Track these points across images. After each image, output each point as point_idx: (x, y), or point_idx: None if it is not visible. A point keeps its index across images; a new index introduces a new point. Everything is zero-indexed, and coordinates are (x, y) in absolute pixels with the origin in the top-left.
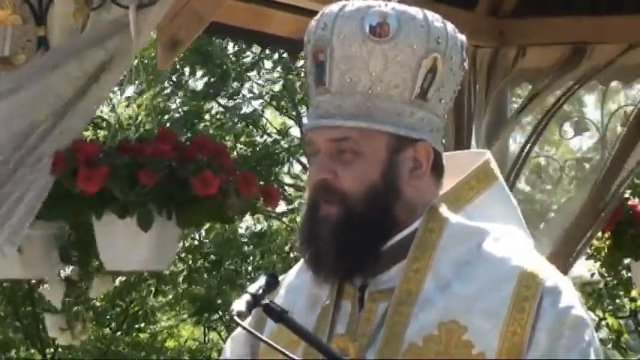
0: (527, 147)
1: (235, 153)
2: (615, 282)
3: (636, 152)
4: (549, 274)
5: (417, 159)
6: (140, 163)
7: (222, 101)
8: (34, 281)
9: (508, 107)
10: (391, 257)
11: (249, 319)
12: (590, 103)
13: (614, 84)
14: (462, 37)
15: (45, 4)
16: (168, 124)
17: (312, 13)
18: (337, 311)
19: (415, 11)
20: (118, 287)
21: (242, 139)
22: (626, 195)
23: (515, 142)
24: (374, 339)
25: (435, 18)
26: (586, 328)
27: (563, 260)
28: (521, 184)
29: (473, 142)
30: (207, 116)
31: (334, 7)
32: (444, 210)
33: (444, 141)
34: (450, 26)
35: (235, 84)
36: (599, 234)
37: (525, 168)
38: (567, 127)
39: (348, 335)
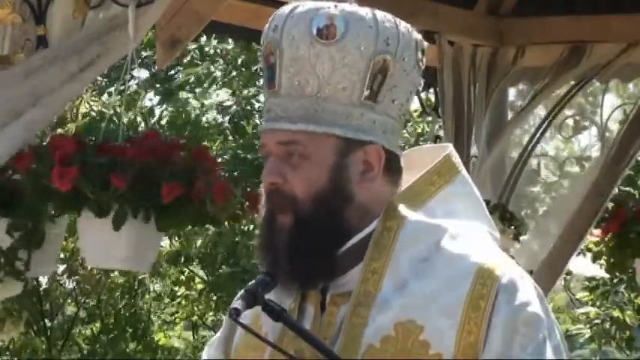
0: (530, 146)
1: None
2: (620, 280)
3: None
4: (506, 269)
5: (367, 161)
6: (113, 165)
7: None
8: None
9: (508, 107)
10: (350, 260)
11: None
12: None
13: (613, 83)
14: (417, 36)
15: (44, 3)
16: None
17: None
18: (302, 315)
19: (365, 12)
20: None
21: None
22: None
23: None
24: (335, 342)
25: (385, 18)
26: (541, 325)
27: (565, 256)
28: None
29: (473, 142)
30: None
31: (286, 9)
32: (402, 208)
33: (444, 140)
34: (404, 26)
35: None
36: (600, 233)
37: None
38: (566, 126)
39: None
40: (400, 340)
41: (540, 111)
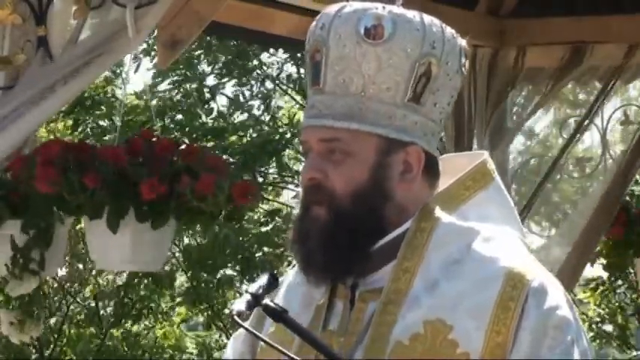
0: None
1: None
2: (620, 280)
3: None
4: (536, 274)
5: (407, 162)
6: (86, 166)
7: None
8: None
9: (509, 108)
10: (382, 257)
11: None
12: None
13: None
14: (462, 42)
15: (45, 3)
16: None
17: (312, 13)
18: (330, 310)
19: (412, 15)
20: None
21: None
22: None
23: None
24: (362, 337)
25: (432, 22)
26: (570, 328)
27: (578, 260)
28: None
29: (474, 144)
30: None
31: (333, 8)
32: (436, 210)
33: (444, 141)
34: (449, 31)
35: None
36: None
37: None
38: (567, 126)
39: (338, 332)
40: (429, 339)
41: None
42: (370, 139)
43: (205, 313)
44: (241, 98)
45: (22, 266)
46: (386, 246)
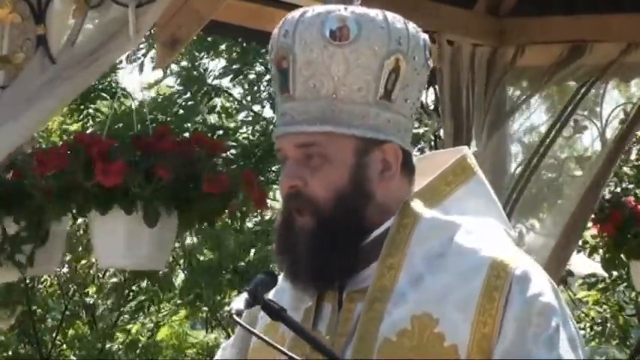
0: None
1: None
2: (618, 278)
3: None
4: (520, 262)
5: (385, 160)
6: (155, 159)
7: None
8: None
9: (507, 106)
10: (367, 256)
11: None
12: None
13: (613, 82)
14: (424, 36)
15: (44, 2)
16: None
17: None
18: (319, 313)
19: (375, 13)
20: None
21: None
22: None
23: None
24: (351, 337)
25: (395, 19)
26: (554, 314)
27: (563, 251)
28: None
29: (473, 142)
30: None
31: (295, 14)
32: (417, 205)
33: (444, 140)
34: (412, 26)
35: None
36: (596, 231)
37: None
38: (567, 126)
39: (327, 333)
40: (416, 334)
41: (544, 114)
42: (346, 141)
43: (205, 314)
44: (244, 101)
45: (8, 254)
46: (370, 245)
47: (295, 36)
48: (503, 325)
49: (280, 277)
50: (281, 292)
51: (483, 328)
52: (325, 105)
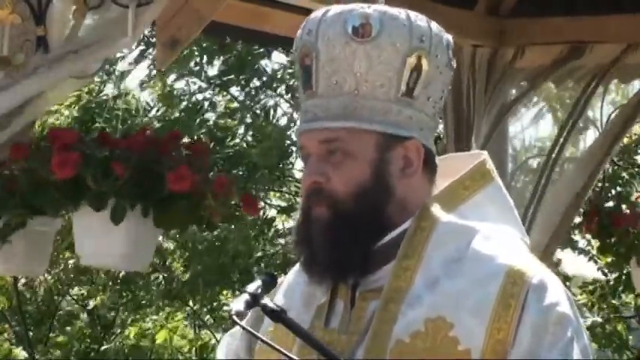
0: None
1: (244, 144)
2: (618, 281)
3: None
4: (537, 271)
5: (407, 157)
6: (113, 155)
7: (236, 92)
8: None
9: (507, 107)
10: (382, 256)
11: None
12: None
13: (613, 83)
14: (448, 36)
15: (44, 3)
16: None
17: (311, 13)
18: (331, 310)
19: (397, 11)
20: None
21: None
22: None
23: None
24: (364, 337)
25: (418, 17)
26: (570, 325)
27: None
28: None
29: (473, 142)
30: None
31: (318, 13)
32: (435, 209)
33: (444, 141)
34: (435, 25)
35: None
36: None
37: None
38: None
39: (339, 331)
40: (430, 336)
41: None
42: (368, 137)
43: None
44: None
45: None
46: (386, 245)
47: (318, 33)
48: (518, 332)
49: (293, 272)
50: (294, 289)
51: (498, 334)
52: (347, 101)
